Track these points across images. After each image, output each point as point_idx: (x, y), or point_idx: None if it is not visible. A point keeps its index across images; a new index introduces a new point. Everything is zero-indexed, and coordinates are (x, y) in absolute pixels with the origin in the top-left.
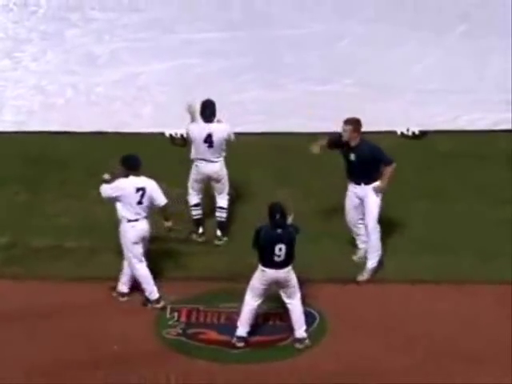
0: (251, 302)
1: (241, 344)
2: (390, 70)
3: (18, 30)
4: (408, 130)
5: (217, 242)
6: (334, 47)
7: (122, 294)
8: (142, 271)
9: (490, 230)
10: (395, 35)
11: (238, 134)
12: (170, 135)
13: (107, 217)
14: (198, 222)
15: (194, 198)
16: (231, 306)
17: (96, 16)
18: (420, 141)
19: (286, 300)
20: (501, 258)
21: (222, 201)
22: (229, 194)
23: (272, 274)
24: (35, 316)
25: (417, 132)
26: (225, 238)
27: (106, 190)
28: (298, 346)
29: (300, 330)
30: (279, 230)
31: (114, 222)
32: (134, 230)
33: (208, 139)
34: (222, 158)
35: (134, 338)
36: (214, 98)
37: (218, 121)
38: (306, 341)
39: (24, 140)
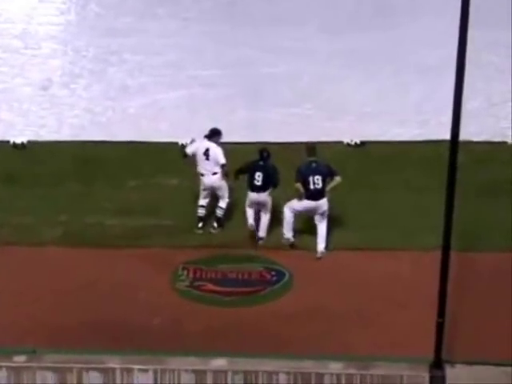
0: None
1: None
2: (338, 98)
3: (73, 69)
4: (352, 141)
5: (212, 231)
6: (298, 81)
7: None
8: None
9: (410, 211)
10: (342, 73)
11: (229, 144)
12: (181, 144)
13: (140, 201)
14: (200, 219)
15: (200, 201)
16: (224, 266)
17: (128, 58)
18: (361, 148)
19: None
20: (418, 232)
21: (222, 202)
22: (228, 198)
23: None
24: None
25: (358, 142)
26: (218, 229)
27: None
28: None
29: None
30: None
31: (146, 205)
32: None
33: (206, 152)
34: (219, 171)
35: (156, 288)
36: (211, 118)
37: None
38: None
39: (77, 147)
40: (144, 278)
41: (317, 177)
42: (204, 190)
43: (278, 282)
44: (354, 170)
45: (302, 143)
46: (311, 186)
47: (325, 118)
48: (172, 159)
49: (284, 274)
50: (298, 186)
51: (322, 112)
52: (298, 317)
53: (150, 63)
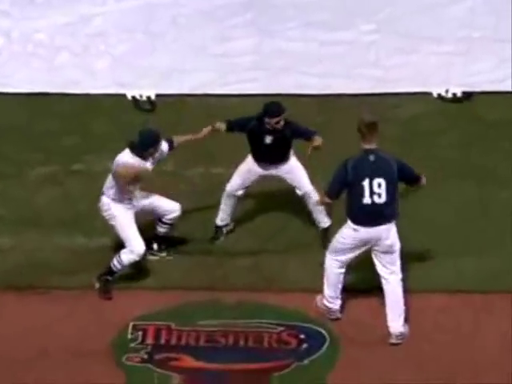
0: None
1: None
2: (421, 13)
3: None
4: (447, 92)
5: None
6: None
7: None
8: None
9: None
10: None
11: (219, 97)
12: (133, 98)
13: (55, 203)
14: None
15: None
16: (212, 323)
17: None
18: (463, 105)
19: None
20: None
21: (123, 253)
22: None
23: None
24: None
25: (459, 94)
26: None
27: None
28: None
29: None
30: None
31: (66, 210)
32: None
33: None
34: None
35: (87, 364)
36: (192, 49)
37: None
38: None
39: None
40: (65, 344)
41: (378, 180)
42: None
43: (311, 352)
44: (451, 144)
45: (359, 96)
46: (367, 200)
47: (399, 50)
48: (115, 126)
49: (322, 338)
50: (324, 199)
51: (392, 38)
52: None
53: None
